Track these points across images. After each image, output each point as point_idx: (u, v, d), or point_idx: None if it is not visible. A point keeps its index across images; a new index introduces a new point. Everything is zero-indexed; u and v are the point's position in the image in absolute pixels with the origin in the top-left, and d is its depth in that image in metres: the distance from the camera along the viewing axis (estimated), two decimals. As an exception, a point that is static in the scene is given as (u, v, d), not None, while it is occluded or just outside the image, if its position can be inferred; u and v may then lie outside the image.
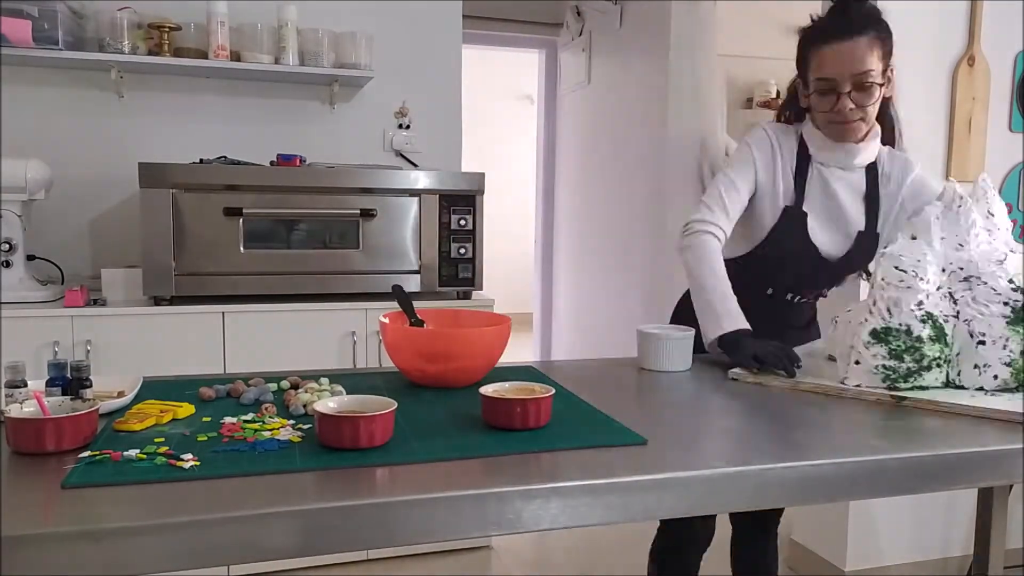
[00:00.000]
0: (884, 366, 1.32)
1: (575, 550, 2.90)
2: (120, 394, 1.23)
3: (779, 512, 1.91)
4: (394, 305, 1.52)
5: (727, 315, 1.55)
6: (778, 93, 4.48)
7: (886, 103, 1.66)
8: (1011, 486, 1.83)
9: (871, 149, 1.66)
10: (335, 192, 2.54)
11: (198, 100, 2.90)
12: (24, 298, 2.39)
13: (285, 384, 1.35)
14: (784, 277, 1.72)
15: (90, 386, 1.20)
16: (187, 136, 2.89)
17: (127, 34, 2.62)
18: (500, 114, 7.04)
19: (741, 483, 1.01)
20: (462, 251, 2.66)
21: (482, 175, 2.68)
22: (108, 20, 2.63)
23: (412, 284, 2.61)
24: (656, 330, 1.57)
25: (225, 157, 2.66)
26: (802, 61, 1.65)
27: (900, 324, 1.31)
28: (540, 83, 5.27)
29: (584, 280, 4.76)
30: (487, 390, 1.16)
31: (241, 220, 2.45)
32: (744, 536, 1.94)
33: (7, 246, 2.40)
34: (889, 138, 1.70)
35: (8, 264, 2.41)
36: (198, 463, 0.97)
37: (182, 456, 0.98)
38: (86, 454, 0.98)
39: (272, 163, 2.66)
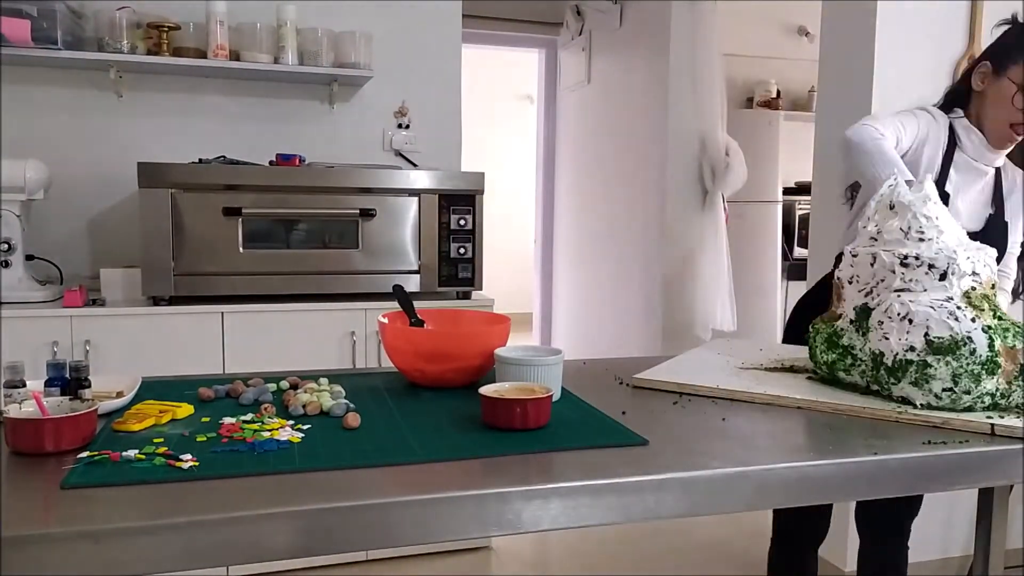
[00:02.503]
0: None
1: (575, 550, 2.89)
2: (119, 394, 1.23)
3: (914, 510, 1.90)
4: (394, 305, 1.52)
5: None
6: (778, 92, 4.49)
7: None
8: (1011, 486, 1.83)
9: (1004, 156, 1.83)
10: (334, 192, 2.53)
11: (197, 100, 2.90)
12: (23, 298, 2.39)
13: (284, 384, 1.35)
14: None
15: (89, 386, 1.20)
16: (186, 136, 2.88)
17: (126, 34, 2.62)
18: (500, 114, 7.04)
19: (742, 484, 1.01)
20: (462, 251, 2.66)
21: (482, 175, 2.68)
22: (107, 20, 2.62)
23: (412, 284, 2.61)
24: (518, 354, 1.30)
25: (224, 157, 2.66)
26: (1017, 55, 1.70)
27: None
28: (540, 83, 5.26)
29: (584, 279, 4.76)
30: (487, 390, 1.16)
31: (240, 220, 2.45)
32: (872, 541, 1.94)
33: (6, 246, 2.40)
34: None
35: (7, 264, 2.40)
36: (197, 463, 0.97)
37: (181, 456, 0.98)
38: (85, 454, 0.98)
39: (271, 163, 2.66)
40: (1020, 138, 1.73)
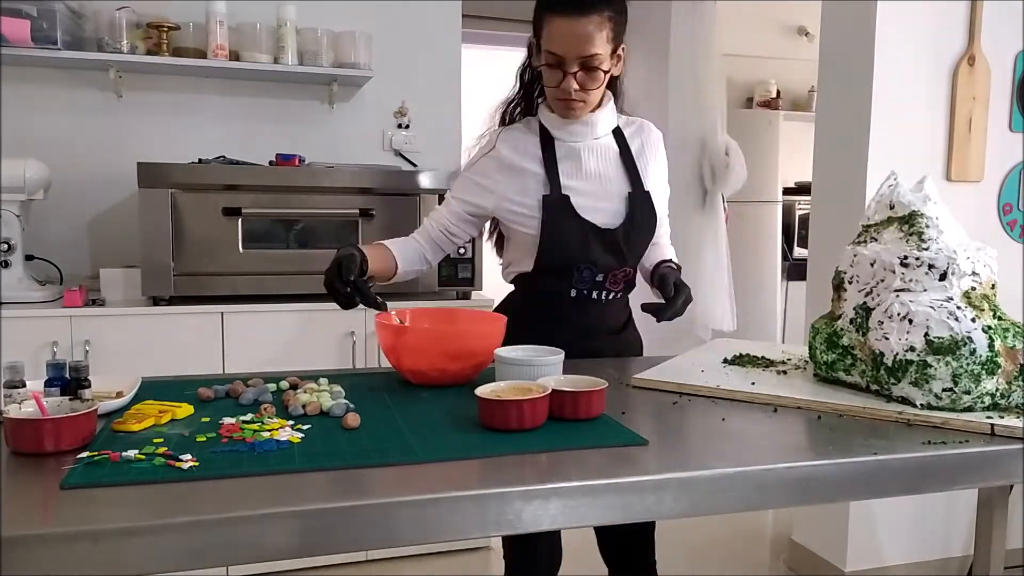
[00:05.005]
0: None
1: (575, 550, 2.89)
2: (119, 394, 1.23)
3: (651, 551, 1.77)
4: (394, 305, 1.52)
5: None
6: (778, 93, 4.49)
7: (614, 79, 1.61)
8: (1011, 486, 1.83)
9: (608, 118, 1.61)
10: (334, 192, 2.53)
11: (197, 100, 2.90)
12: (23, 298, 2.39)
13: (284, 384, 1.35)
14: (579, 270, 1.59)
15: (89, 386, 1.20)
16: (186, 136, 2.88)
17: (126, 34, 2.62)
18: (500, 114, 7.03)
19: (741, 484, 1.01)
20: (462, 251, 2.66)
21: (482, 175, 2.67)
22: (107, 20, 2.62)
23: (412, 284, 2.61)
24: (518, 354, 1.31)
25: (224, 157, 2.66)
26: (537, 23, 1.52)
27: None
28: (539, 83, 5.26)
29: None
30: (483, 391, 1.15)
31: (240, 220, 2.45)
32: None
33: (6, 246, 2.40)
34: (620, 106, 1.67)
35: (7, 264, 2.40)
36: (197, 463, 0.97)
37: (181, 456, 0.98)
38: (85, 454, 0.98)
39: (271, 163, 2.66)
40: (578, 106, 1.53)
